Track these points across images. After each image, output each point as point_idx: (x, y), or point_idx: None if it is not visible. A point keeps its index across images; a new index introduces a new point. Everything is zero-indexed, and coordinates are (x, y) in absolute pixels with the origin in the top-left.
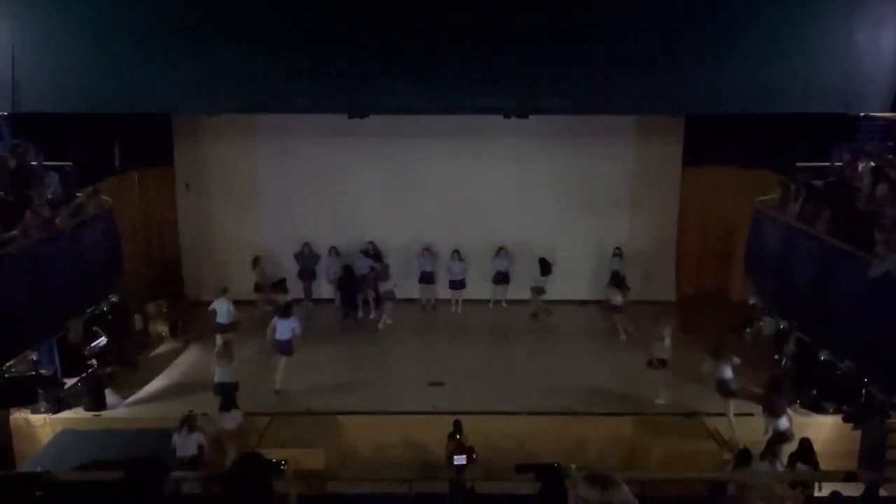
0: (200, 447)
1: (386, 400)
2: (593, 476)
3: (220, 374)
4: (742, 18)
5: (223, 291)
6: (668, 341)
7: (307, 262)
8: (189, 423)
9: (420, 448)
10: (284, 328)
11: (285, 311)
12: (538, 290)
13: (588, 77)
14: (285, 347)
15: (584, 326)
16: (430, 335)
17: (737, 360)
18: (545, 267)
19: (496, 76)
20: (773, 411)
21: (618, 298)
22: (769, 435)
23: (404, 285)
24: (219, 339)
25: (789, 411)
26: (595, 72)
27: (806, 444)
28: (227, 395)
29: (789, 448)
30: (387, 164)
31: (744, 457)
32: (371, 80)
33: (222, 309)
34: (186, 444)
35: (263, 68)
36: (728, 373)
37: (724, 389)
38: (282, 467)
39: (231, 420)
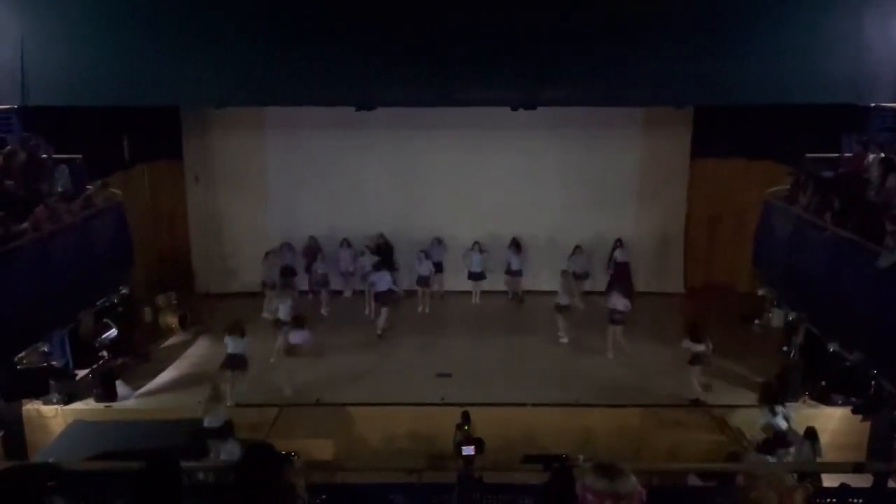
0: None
1: (394, 391)
2: (601, 466)
3: (282, 311)
4: (751, 9)
5: (269, 254)
6: (570, 289)
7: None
8: (240, 329)
9: (428, 439)
10: (382, 280)
11: (380, 265)
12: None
13: (596, 68)
14: (388, 297)
15: (591, 318)
16: (439, 326)
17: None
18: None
19: (504, 68)
20: (694, 338)
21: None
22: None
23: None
24: (267, 293)
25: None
26: (603, 63)
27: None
28: (297, 318)
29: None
30: (395, 156)
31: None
32: (378, 72)
33: (266, 266)
34: (238, 345)
35: (271, 61)
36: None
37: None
38: (292, 458)
39: (298, 336)
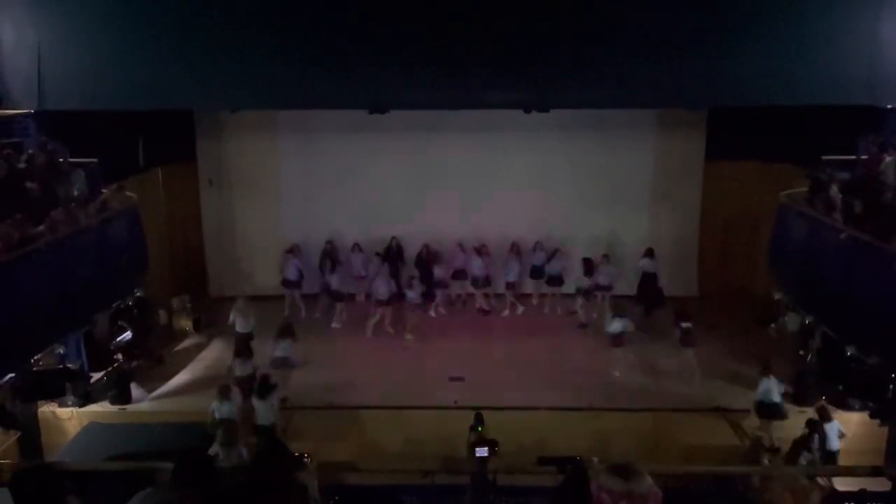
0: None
1: (407, 394)
2: (616, 466)
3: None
4: (766, 9)
5: (293, 248)
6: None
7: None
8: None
9: (441, 442)
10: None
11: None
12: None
13: (609, 70)
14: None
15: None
16: (452, 330)
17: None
18: (588, 267)
19: (517, 70)
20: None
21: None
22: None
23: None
24: (288, 293)
25: None
26: (616, 65)
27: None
28: None
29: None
30: (408, 158)
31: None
32: (391, 75)
33: (290, 263)
34: (333, 279)
35: (284, 65)
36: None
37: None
38: (305, 459)
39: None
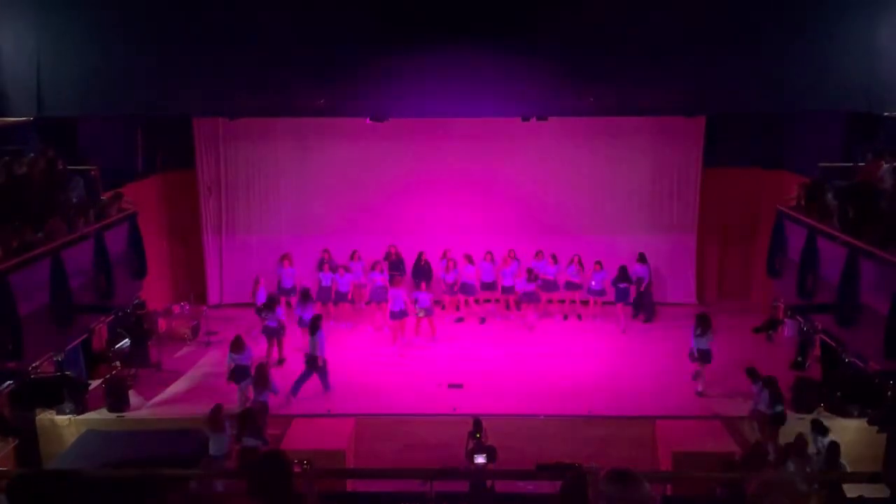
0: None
1: (406, 402)
2: (614, 473)
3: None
4: (761, 18)
5: (285, 258)
6: None
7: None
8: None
9: (440, 449)
10: (397, 299)
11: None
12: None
13: (607, 78)
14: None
15: (604, 327)
16: (451, 337)
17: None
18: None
19: (515, 78)
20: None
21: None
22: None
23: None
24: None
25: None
26: (614, 73)
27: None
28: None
29: None
30: (406, 166)
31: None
32: (390, 83)
33: (286, 273)
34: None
35: (283, 72)
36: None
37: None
38: (304, 466)
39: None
